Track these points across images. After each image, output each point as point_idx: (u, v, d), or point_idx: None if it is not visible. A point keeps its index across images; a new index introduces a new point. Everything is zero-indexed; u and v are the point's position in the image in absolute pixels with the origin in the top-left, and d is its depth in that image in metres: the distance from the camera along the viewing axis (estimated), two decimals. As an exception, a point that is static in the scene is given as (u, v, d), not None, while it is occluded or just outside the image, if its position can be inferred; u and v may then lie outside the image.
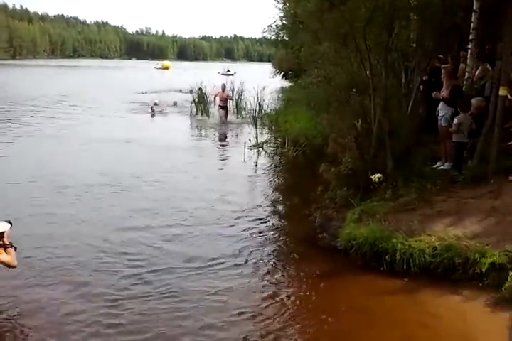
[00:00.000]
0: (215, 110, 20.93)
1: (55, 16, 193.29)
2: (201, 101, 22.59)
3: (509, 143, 8.64)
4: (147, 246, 7.18)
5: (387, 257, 6.24)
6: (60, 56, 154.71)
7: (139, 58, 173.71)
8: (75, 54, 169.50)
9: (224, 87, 20.66)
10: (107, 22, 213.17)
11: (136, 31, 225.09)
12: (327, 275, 6.47)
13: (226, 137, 17.38)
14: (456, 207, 6.95)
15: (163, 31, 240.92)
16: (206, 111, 21.85)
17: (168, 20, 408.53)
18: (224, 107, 20.23)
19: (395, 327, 5.19)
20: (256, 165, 12.86)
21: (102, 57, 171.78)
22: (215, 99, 20.78)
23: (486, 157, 7.61)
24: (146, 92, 31.13)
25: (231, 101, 21.20)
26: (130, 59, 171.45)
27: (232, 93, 22.97)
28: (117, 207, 8.90)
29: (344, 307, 5.71)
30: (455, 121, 8.09)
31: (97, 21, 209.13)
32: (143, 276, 6.21)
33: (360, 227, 6.87)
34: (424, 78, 9.89)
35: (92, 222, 8.08)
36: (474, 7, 8.98)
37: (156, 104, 23.73)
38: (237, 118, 20.85)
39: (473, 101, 8.10)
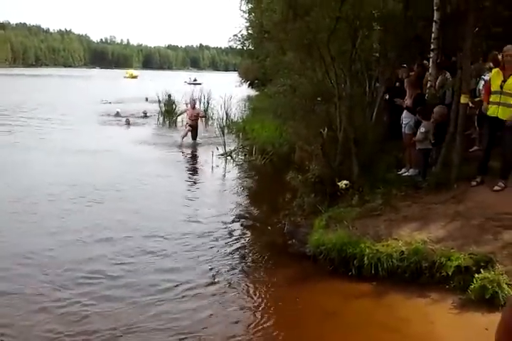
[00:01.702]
0: (183, 129, 18.19)
1: (17, 24, 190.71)
2: (169, 111, 22.45)
3: (471, 150, 8.90)
4: (107, 261, 6.94)
5: (355, 262, 6.32)
6: (22, 65, 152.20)
7: (103, 67, 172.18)
8: (38, 63, 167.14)
9: (194, 104, 18.47)
10: (70, 30, 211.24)
11: (101, 40, 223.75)
12: (296, 281, 6.52)
13: (195, 147, 17.15)
14: (421, 212, 7.12)
15: (128, 40, 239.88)
16: (175, 122, 21.70)
17: (133, 29, 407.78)
18: (193, 126, 17.50)
19: (364, 330, 5.27)
20: (224, 174, 12.89)
21: (65, 66, 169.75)
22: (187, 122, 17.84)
23: (448, 163, 7.81)
24: (110, 102, 30.40)
25: (203, 119, 18.92)
26: (94, 68, 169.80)
27: (200, 102, 22.91)
28: (82, 220, 8.57)
29: (313, 312, 5.77)
30: (422, 129, 8.26)
31: (60, 30, 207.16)
32: (96, 294, 6.02)
33: (328, 233, 6.96)
34: (397, 85, 10.10)
35: (51, 236, 7.80)
36: (435, 18, 9.24)
37: (117, 114, 23.25)
38: (208, 135, 18.11)
39: (437, 109, 8.32)
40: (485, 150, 7.55)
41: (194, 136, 17.39)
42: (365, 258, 6.26)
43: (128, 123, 21.53)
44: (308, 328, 5.38)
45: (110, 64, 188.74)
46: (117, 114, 23.57)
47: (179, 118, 21.03)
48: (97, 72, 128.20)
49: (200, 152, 16.07)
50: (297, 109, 11.66)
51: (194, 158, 15.53)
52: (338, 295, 6.06)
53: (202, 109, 21.53)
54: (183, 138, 17.03)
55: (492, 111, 7.23)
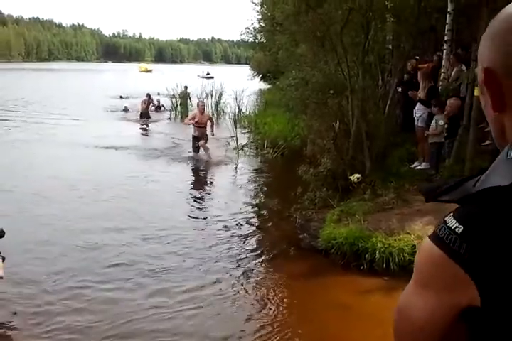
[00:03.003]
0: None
1: (30, 19, 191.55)
2: (184, 104, 22.21)
3: (484, 144, 8.78)
4: (115, 259, 6.81)
5: (367, 256, 6.30)
6: (35, 59, 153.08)
7: (115, 61, 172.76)
8: (51, 57, 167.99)
9: (203, 108, 14.08)
10: (83, 24, 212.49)
11: (113, 34, 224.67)
12: (308, 275, 6.50)
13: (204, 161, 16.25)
14: (433, 206, 7.01)
15: (140, 34, 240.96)
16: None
17: (145, 22, 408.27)
18: (200, 138, 13.37)
19: (377, 325, 5.22)
20: (235, 168, 12.85)
21: (78, 60, 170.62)
22: (190, 124, 13.84)
23: (461, 157, 7.72)
24: (125, 97, 29.05)
25: (213, 125, 14.01)
26: (106, 62, 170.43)
27: (212, 96, 22.65)
28: (84, 217, 8.37)
29: (326, 307, 5.74)
30: (440, 122, 8.14)
31: (72, 24, 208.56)
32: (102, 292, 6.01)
33: (340, 227, 6.92)
34: (406, 77, 10.00)
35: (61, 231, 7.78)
36: (449, 9, 9.12)
37: (125, 109, 22.61)
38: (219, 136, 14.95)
39: (451, 101, 8.20)
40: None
41: (196, 149, 13.46)
42: (377, 252, 6.23)
43: (145, 117, 20.64)
44: (321, 322, 5.36)
45: (122, 58, 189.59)
46: (124, 108, 22.86)
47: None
48: (109, 66, 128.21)
49: (212, 145, 15.92)
50: (309, 102, 11.59)
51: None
52: (350, 289, 6.04)
53: (212, 106, 20.86)
54: (196, 151, 13.48)
55: None
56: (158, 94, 29.39)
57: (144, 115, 20.90)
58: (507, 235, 0.78)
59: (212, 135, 13.94)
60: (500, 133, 0.88)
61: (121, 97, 29.30)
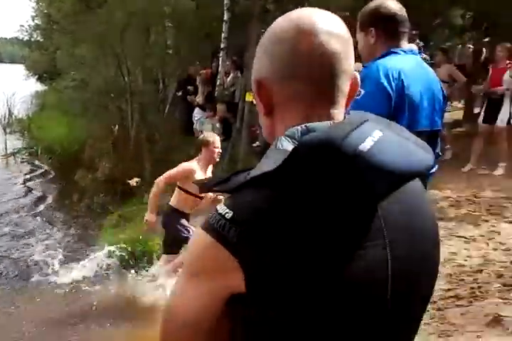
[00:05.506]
0: None
1: None
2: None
3: (254, 145, 9.35)
4: None
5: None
6: None
7: None
8: None
9: None
10: None
11: None
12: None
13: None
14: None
15: None
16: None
17: None
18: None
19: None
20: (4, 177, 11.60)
21: None
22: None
23: (235, 157, 8.14)
24: None
25: None
26: None
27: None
28: None
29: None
30: (218, 125, 8.48)
31: None
32: None
33: (119, 233, 6.76)
34: (185, 82, 10.19)
35: None
36: (225, 18, 9.49)
37: None
38: None
39: (218, 106, 8.68)
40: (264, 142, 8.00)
41: None
42: (154, 255, 6.19)
43: None
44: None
45: None
46: None
47: None
48: None
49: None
50: (89, 105, 11.23)
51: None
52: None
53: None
54: None
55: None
56: None
57: None
58: (272, 219, 0.81)
59: None
60: (269, 132, 0.99)
61: None
